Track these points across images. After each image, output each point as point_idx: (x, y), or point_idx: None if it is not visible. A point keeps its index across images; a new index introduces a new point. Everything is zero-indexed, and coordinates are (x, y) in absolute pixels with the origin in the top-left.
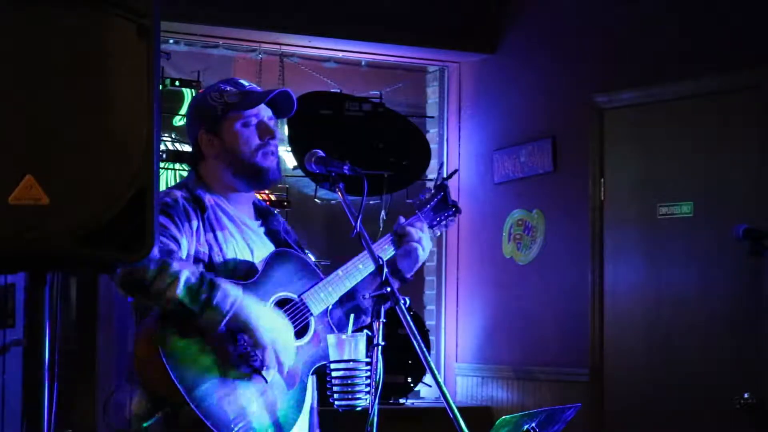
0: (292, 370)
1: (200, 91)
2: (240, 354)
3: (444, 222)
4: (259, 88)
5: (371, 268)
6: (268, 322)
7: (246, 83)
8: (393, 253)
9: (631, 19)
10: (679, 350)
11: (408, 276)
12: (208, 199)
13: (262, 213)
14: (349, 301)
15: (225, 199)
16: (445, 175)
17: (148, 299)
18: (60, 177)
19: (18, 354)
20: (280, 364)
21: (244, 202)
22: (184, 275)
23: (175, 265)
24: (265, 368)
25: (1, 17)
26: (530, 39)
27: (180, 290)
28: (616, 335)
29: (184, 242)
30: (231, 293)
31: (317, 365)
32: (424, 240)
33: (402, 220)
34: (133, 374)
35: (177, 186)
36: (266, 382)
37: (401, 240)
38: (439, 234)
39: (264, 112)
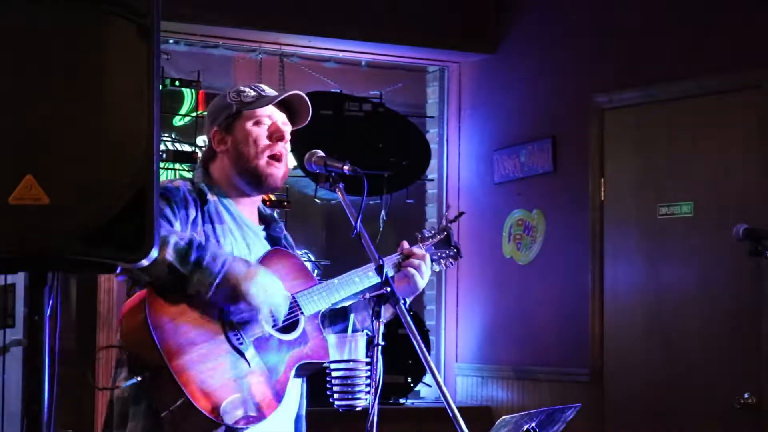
0: (277, 362)
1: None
2: (226, 334)
3: (443, 261)
4: (279, 95)
5: (367, 283)
6: (258, 281)
7: (266, 88)
8: (392, 274)
9: (632, 19)
10: (679, 350)
11: (404, 303)
12: (213, 194)
13: (265, 219)
14: (342, 322)
15: (229, 199)
16: (451, 218)
17: (137, 270)
18: (60, 177)
19: (18, 354)
20: (275, 320)
21: (249, 205)
22: (173, 239)
23: (163, 231)
24: (254, 328)
25: (2, 17)
26: (530, 39)
27: (170, 253)
28: (616, 335)
29: (177, 226)
30: (220, 254)
31: (301, 363)
32: (423, 267)
33: (405, 245)
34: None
35: (183, 178)
36: (249, 366)
37: (401, 264)
38: (438, 270)
39: (278, 116)
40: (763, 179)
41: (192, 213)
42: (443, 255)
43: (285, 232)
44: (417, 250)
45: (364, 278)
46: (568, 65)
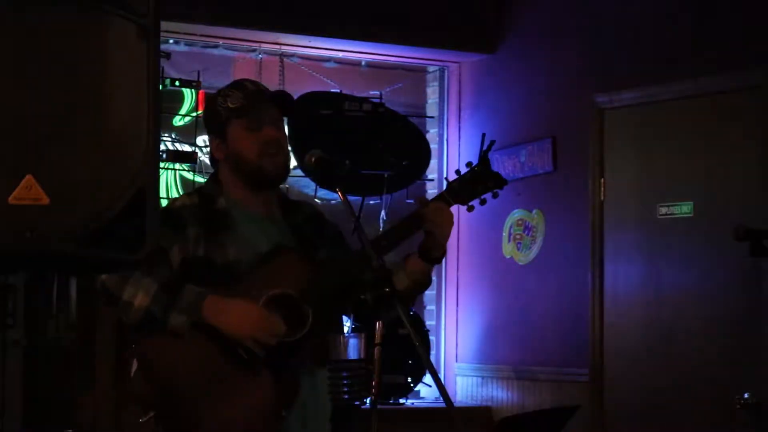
0: (288, 363)
1: (214, 92)
2: (230, 351)
3: (481, 194)
4: (264, 89)
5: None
6: (235, 313)
7: (251, 85)
8: (400, 267)
9: (631, 19)
10: (679, 350)
11: (437, 255)
12: (221, 201)
13: (287, 207)
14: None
15: (242, 200)
16: (484, 148)
17: (119, 310)
18: (60, 177)
19: (18, 354)
20: (265, 345)
21: (263, 199)
22: (147, 283)
23: (138, 275)
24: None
25: (1, 17)
26: (530, 39)
27: (145, 299)
28: (616, 335)
29: (174, 249)
30: (192, 296)
31: (318, 356)
32: (439, 217)
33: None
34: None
35: (190, 192)
36: (259, 375)
37: (419, 222)
38: (472, 209)
39: (266, 113)
40: (763, 179)
41: (192, 232)
42: (477, 191)
43: (312, 210)
44: (423, 209)
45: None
46: (568, 65)
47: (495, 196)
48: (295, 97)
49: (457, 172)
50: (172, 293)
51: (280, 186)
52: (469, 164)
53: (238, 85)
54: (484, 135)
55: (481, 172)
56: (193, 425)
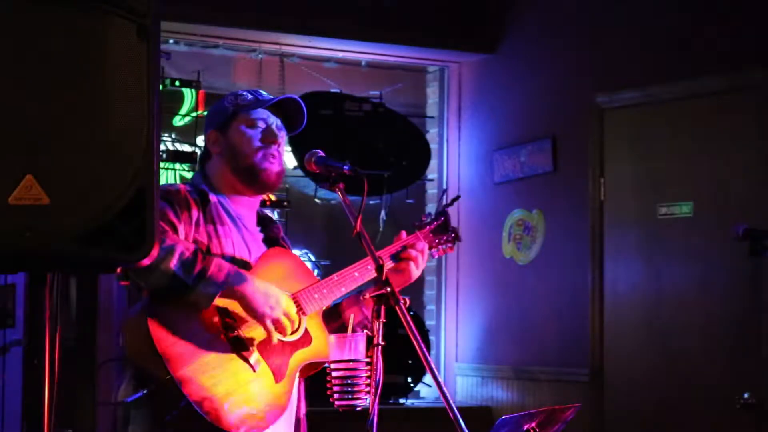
0: (281, 364)
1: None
2: (229, 340)
3: (442, 246)
4: (276, 100)
5: (368, 277)
6: (263, 291)
7: (265, 93)
8: (390, 266)
9: (631, 19)
10: (679, 350)
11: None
12: (212, 195)
13: (263, 221)
14: (336, 320)
15: (228, 200)
16: (446, 202)
17: (142, 275)
18: (60, 177)
19: (18, 354)
20: (291, 322)
21: (247, 206)
22: (179, 249)
23: (169, 240)
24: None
25: (1, 17)
26: (530, 39)
27: (175, 263)
28: (616, 335)
29: (181, 228)
30: (225, 266)
31: (306, 363)
32: (420, 259)
33: (404, 235)
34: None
35: (183, 182)
36: (254, 371)
37: (399, 255)
38: (435, 257)
39: (273, 119)
40: (763, 179)
41: (194, 214)
42: (441, 240)
43: (283, 234)
44: (418, 241)
45: (364, 272)
46: (568, 65)
47: (449, 250)
48: (305, 108)
49: (421, 220)
50: (202, 259)
51: (274, 193)
52: (429, 215)
53: (253, 90)
54: (445, 190)
55: (443, 225)
56: (185, 408)
